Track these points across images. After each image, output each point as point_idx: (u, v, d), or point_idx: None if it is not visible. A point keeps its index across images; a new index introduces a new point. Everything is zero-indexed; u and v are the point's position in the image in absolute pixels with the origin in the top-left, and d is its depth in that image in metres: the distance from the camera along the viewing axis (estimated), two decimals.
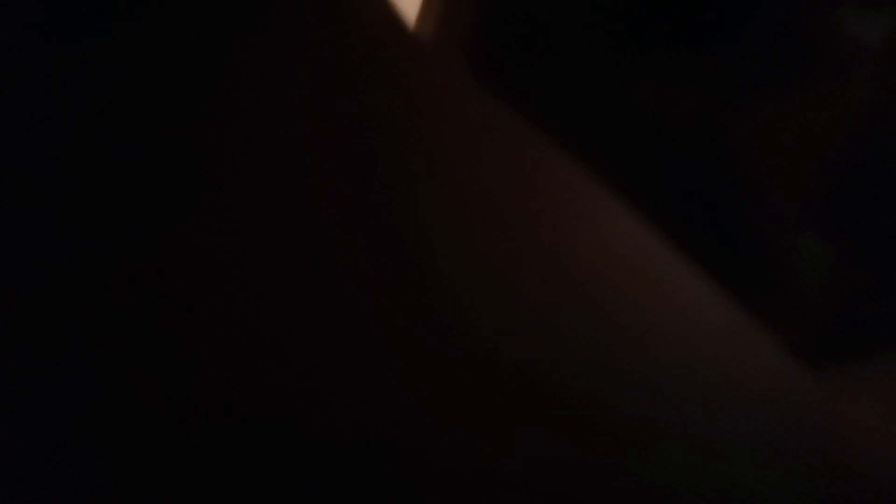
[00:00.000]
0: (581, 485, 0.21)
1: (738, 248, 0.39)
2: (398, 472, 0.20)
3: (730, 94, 0.38)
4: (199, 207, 0.21)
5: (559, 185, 0.23)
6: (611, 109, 0.39)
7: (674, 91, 0.39)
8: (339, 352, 0.21)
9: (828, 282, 0.38)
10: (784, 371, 0.24)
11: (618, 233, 0.23)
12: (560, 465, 0.21)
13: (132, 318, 0.20)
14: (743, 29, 0.38)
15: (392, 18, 0.23)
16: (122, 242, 0.21)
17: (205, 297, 0.21)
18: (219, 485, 0.20)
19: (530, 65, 0.39)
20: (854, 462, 0.23)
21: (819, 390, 0.24)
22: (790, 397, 0.23)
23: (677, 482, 0.21)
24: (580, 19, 0.39)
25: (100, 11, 0.21)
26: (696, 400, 0.22)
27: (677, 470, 0.22)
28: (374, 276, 0.21)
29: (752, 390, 0.23)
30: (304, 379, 0.21)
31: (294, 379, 0.21)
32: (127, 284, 0.20)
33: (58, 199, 0.21)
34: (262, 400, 0.20)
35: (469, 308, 0.22)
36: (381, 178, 0.22)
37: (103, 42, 0.21)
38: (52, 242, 0.21)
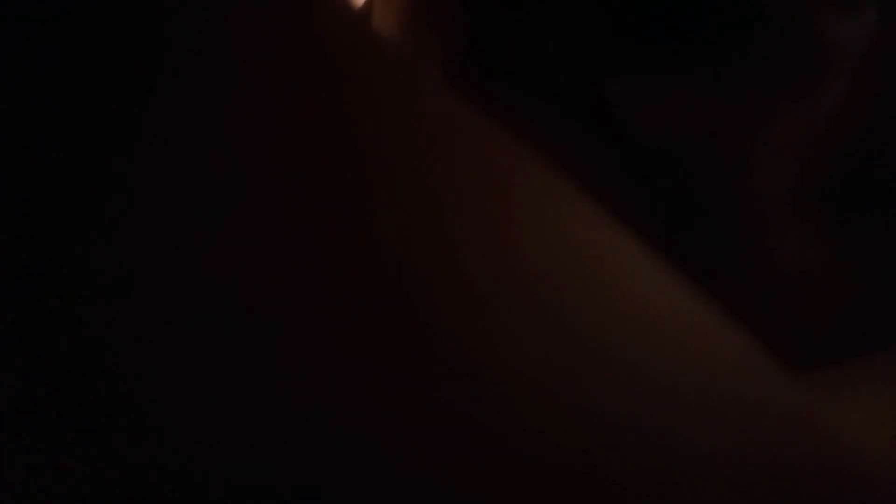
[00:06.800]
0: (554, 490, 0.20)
1: (727, 252, 0.39)
2: None
3: (712, 93, 0.38)
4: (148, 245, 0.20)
5: (529, 184, 0.23)
6: (590, 107, 0.39)
7: (655, 90, 0.38)
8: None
9: (818, 283, 0.38)
10: (768, 376, 0.23)
11: (596, 237, 0.23)
12: (534, 473, 0.20)
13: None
14: (725, 31, 0.38)
15: (354, 17, 0.22)
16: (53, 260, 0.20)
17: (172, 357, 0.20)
18: None
19: (508, 58, 0.39)
20: (841, 468, 0.23)
21: (805, 395, 0.23)
22: (773, 402, 0.23)
23: (653, 489, 0.21)
24: (563, 13, 0.39)
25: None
26: (677, 406, 0.22)
27: (654, 478, 0.21)
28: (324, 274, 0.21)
29: (735, 396, 0.22)
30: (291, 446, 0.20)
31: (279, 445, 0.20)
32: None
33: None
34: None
35: (435, 317, 0.21)
36: (343, 183, 0.21)
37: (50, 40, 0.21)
38: None
